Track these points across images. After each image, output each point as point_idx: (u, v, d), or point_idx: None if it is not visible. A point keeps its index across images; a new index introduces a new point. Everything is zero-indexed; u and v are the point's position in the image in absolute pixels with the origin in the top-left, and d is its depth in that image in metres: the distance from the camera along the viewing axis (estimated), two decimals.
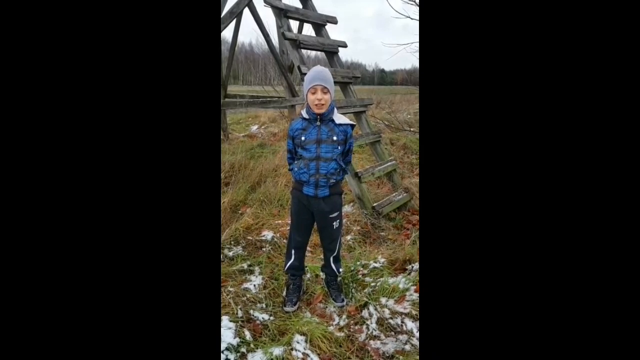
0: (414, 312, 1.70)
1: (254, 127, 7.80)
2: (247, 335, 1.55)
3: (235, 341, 1.49)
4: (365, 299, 1.82)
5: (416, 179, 3.64)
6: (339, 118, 1.70)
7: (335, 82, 2.95)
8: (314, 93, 1.61)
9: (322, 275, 1.99)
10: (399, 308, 1.75)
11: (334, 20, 3.49)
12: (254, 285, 1.95)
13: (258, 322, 1.67)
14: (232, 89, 7.81)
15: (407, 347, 1.55)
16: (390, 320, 1.69)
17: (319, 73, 1.64)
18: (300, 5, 3.45)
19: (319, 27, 3.40)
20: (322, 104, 1.61)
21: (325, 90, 1.61)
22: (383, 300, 1.80)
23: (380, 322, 1.69)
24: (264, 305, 1.80)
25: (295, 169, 1.73)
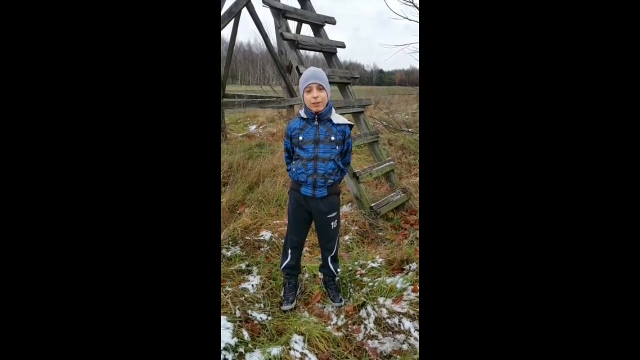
0: (411, 312, 1.71)
1: (252, 127, 7.80)
2: (245, 335, 1.55)
3: (233, 341, 1.50)
4: (363, 298, 1.83)
5: (414, 179, 3.65)
6: (337, 118, 1.70)
7: (333, 83, 2.94)
8: (309, 92, 1.62)
9: (320, 275, 1.99)
10: (396, 308, 1.75)
11: (332, 21, 3.50)
12: (252, 285, 1.95)
13: (256, 322, 1.67)
14: (230, 88, 7.80)
15: (405, 346, 1.56)
16: (388, 320, 1.69)
17: (312, 72, 1.65)
18: (298, 6, 3.45)
19: (317, 28, 3.41)
20: (319, 102, 1.62)
21: (320, 88, 1.62)
22: (381, 300, 1.81)
23: (378, 321, 1.69)
24: (262, 305, 1.81)
25: (293, 169, 1.73)
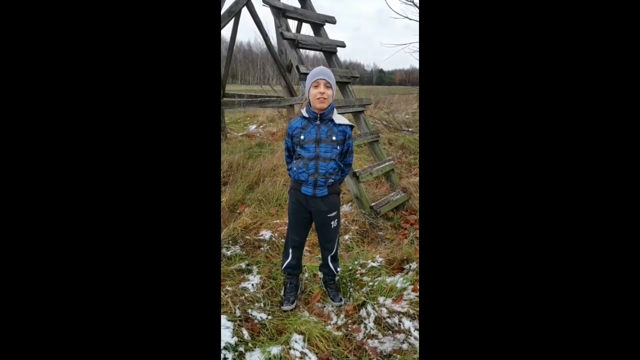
0: (411, 311, 1.71)
1: (252, 127, 7.80)
2: (245, 334, 1.56)
3: (233, 340, 1.50)
4: (363, 298, 1.83)
5: (414, 179, 3.65)
6: (338, 118, 1.70)
7: None
8: (316, 87, 1.62)
9: (320, 274, 2.00)
10: (396, 307, 1.75)
11: (332, 20, 3.50)
12: (252, 285, 1.95)
13: (256, 321, 1.67)
14: (230, 88, 7.79)
15: (405, 346, 1.56)
16: (388, 320, 1.69)
17: (321, 69, 1.67)
18: (298, 5, 3.45)
19: (317, 27, 3.41)
20: (325, 99, 1.62)
21: (327, 85, 1.62)
22: (381, 299, 1.81)
23: (378, 321, 1.70)
24: (262, 305, 1.81)
25: (294, 168, 1.73)
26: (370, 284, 1.96)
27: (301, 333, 1.57)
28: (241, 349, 1.48)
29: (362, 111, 3.31)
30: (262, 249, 2.38)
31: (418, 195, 3.12)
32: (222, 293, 1.81)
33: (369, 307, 1.76)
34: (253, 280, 1.99)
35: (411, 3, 5.14)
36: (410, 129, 6.25)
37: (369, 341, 1.59)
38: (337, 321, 1.73)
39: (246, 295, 1.84)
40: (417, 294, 1.81)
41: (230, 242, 2.44)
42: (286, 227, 1.93)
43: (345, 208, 3.05)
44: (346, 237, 2.58)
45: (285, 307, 1.79)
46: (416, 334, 1.61)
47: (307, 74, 1.81)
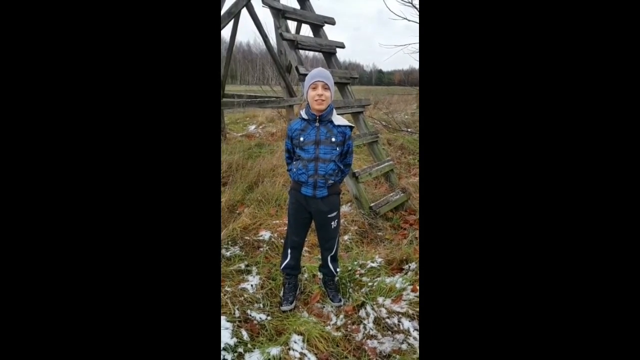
0: (410, 312, 1.71)
1: (252, 127, 7.79)
2: (245, 335, 1.56)
3: (232, 341, 1.50)
4: (362, 298, 1.83)
5: (413, 179, 3.66)
6: (338, 119, 1.71)
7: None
8: (314, 89, 1.62)
9: (319, 275, 2.00)
10: (396, 307, 1.75)
11: (331, 21, 3.50)
12: (252, 285, 1.95)
13: (255, 322, 1.67)
14: (230, 88, 7.78)
15: (404, 346, 1.56)
16: (387, 320, 1.69)
17: (319, 71, 1.67)
18: (298, 6, 3.45)
19: (316, 28, 3.41)
20: (323, 100, 1.62)
21: (326, 87, 1.62)
22: (380, 299, 1.81)
23: (377, 321, 1.70)
24: (261, 305, 1.81)
25: (294, 169, 1.73)
26: (370, 284, 1.96)
27: (300, 334, 1.57)
28: (240, 349, 1.48)
29: (362, 112, 3.32)
30: (261, 249, 2.38)
31: (417, 195, 3.12)
32: (222, 294, 1.81)
33: (368, 308, 1.76)
34: (252, 281, 1.99)
35: (409, 4, 5.16)
36: (409, 130, 6.26)
37: (368, 341, 1.59)
38: (336, 321, 1.73)
39: (245, 296, 1.84)
40: (416, 294, 1.81)
41: (230, 242, 2.44)
42: (285, 228, 1.93)
43: (344, 208, 3.06)
44: (345, 237, 2.58)
45: (284, 308, 1.79)
46: (415, 334, 1.61)
47: (306, 74, 1.81)
